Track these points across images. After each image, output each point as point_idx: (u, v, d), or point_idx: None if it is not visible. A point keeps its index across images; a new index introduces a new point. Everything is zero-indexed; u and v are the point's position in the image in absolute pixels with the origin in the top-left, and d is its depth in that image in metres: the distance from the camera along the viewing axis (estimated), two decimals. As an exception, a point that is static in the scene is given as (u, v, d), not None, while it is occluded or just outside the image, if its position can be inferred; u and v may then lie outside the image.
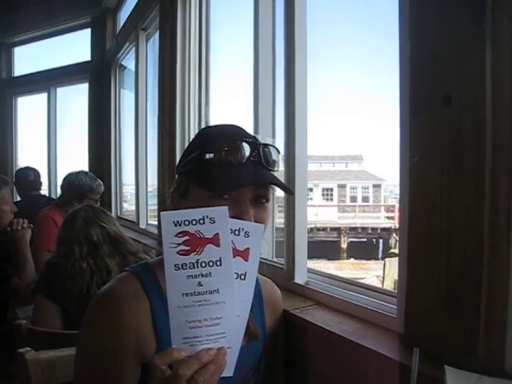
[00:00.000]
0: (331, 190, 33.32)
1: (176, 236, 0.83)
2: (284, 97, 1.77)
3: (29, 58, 6.60)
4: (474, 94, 0.94)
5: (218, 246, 0.83)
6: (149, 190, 4.02)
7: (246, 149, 1.02)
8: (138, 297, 1.06)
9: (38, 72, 6.19)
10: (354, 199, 32.65)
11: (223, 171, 1.00)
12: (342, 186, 33.29)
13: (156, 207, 3.32)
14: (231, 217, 0.94)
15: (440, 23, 1.01)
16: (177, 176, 1.12)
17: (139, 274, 1.10)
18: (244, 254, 0.87)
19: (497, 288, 0.94)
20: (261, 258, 1.72)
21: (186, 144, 1.16)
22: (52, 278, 1.86)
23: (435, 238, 1.03)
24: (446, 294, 1.00)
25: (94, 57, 5.56)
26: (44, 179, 5.30)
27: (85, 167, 4.98)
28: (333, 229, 27.89)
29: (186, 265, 0.83)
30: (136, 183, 4.08)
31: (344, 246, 26.99)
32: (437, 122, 1.01)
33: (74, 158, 5.99)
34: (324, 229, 27.53)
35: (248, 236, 0.87)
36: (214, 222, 0.84)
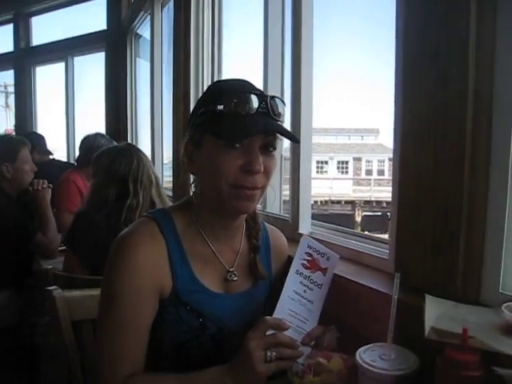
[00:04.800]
0: (346, 162, 33.23)
1: (305, 253, 1.21)
2: (291, 68, 1.84)
3: (46, 28, 6.68)
4: (459, 48, 1.02)
5: (324, 275, 1.22)
6: (164, 162, 4.05)
7: (255, 100, 1.08)
8: (156, 239, 1.14)
9: (55, 41, 6.25)
10: (369, 172, 32.54)
11: (234, 122, 1.06)
12: (357, 159, 33.17)
13: (171, 179, 3.34)
14: (242, 165, 1.07)
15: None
16: (189, 128, 1.19)
17: (157, 218, 1.18)
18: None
19: (474, 230, 1.04)
20: (269, 212, 1.83)
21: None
22: (77, 231, 1.99)
23: (422, 185, 1.12)
24: (431, 236, 1.10)
25: (110, 26, 5.59)
26: (63, 144, 5.49)
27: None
28: (347, 202, 27.92)
29: (303, 274, 1.20)
30: (152, 155, 4.11)
31: (358, 219, 27.00)
32: (426, 74, 1.10)
33: (92, 126, 6.12)
34: (338, 202, 27.58)
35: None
36: (329, 260, 1.23)
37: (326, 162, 31.74)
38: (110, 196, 1.99)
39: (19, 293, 2.64)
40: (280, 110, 1.12)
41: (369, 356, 0.95)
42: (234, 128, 1.06)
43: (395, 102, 1.25)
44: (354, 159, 33.22)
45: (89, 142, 3.29)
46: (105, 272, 1.16)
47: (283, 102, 1.14)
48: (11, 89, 7.66)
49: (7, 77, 7.23)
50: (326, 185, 26.92)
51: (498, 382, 0.75)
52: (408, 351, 0.96)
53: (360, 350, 0.98)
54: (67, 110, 5.98)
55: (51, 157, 4.43)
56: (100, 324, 1.15)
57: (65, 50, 6.03)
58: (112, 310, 1.12)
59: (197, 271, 1.17)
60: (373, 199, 28.21)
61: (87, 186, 3.30)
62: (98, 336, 1.18)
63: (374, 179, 30.77)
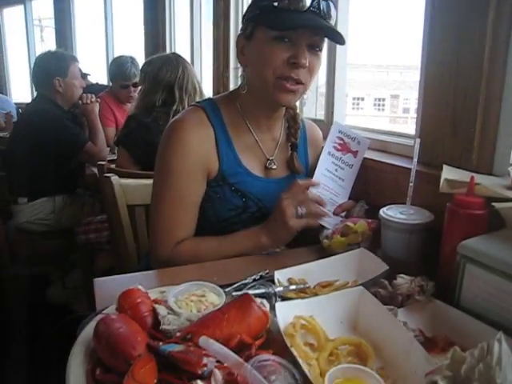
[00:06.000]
0: (383, 100, 32.40)
1: (336, 137, 1.35)
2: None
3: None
4: None
5: (355, 157, 1.35)
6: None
7: None
8: (204, 125, 1.27)
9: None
10: (406, 110, 31.68)
11: (286, 15, 1.15)
12: (394, 97, 32.25)
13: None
14: (289, 57, 1.16)
15: None
16: (243, 23, 1.28)
17: (205, 107, 1.30)
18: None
19: (490, 109, 1.15)
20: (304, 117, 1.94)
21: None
22: (128, 131, 2.18)
23: (445, 74, 1.24)
24: (451, 118, 1.23)
25: None
26: (103, 71, 5.63)
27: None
28: (383, 140, 27.48)
29: (334, 155, 1.35)
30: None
31: (393, 157, 26.57)
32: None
33: (131, 52, 6.16)
34: (374, 139, 27.19)
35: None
36: (359, 144, 1.35)
37: (363, 99, 31.00)
38: (157, 101, 2.16)
39: (73, 198, 2.87)
40: (331, 12, 1.19)
41: (390, 211, 1.11)
42: (285, 19, 1.14)
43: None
44: (392, 96, 32.26)
45: (114, 62, 3.49)
46: (158, 153, 1.30)
47: (334, 5, 1.21)
48: (45, 22, 7.70)
49: (41, 10, 7.26)
50: (362, 122, 26.46)
51: (496, 216, 0.90)
52: (424, 209, 1.11)
53: (383, 208, 1.13)
54: (106, 36, 6.03)
55: (90, 79, 4.58)
56: (155, 197, 1.30)
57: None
58: (166, 184, 1.27)
59: (241, 156, 1.30)
60: (409, 138, 27.62)
61: (117, 103, 3.60)
62: (152, 208, 1.31)
63: (411, 117, 29.93)
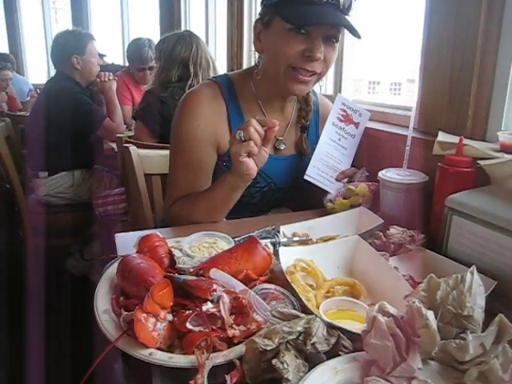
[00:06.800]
0: (399, 84, 32.09)
1: (339, 109, 1.42)
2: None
3: None
4: None
5: (357, 128, 1.43)
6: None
7: None
8: (217, 100, 1.32)
9: None
10: (422, 95, 31.30)
11: (305, 8, 1.14)
12: (411, 81, 31.89)
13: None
14: (304, 50, 1.19)
15: None
16: (261, 8, 1.29)
17: (220, 83, 1.35)
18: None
19: (484, 81, 1.21)
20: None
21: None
22: (146, 105, 2.27)
23: (443, 52, 1.30)
24: (448, 89, 1.30)
25: None
26: (120, 52, 5.72)
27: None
28: (398, 124, 27.25)
29: (338, 126, 1.41)
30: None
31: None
32: None
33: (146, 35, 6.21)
34: (389, 124, 26.97)
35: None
36: (361, 116, 1.43)
37: (379, 83, 30.73)
38: (173, 77, 2.25)
39: (91, 173, 2.98)
40: (350, 3, 1.19)
41: (388, 173, 1.19)
42: (303, 13, 1.15)
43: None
44: (408, 81, 31.90)
45: (132, 45, 3.57)
46: (172, 122, 1.37)
47: None
48: (59, 5, 7.80)
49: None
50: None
51: (485, 176, 0.97)
52: (420, 172, 1.19)
53: (381, 171, 1.22)
54: (122, 17, 6.08)
55: (106, 59, 4.67)
56: (169, 163, 1.39)
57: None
58: (176, 151, 1.35)
59: None
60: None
61: (134, 82, 3.69)
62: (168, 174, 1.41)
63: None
